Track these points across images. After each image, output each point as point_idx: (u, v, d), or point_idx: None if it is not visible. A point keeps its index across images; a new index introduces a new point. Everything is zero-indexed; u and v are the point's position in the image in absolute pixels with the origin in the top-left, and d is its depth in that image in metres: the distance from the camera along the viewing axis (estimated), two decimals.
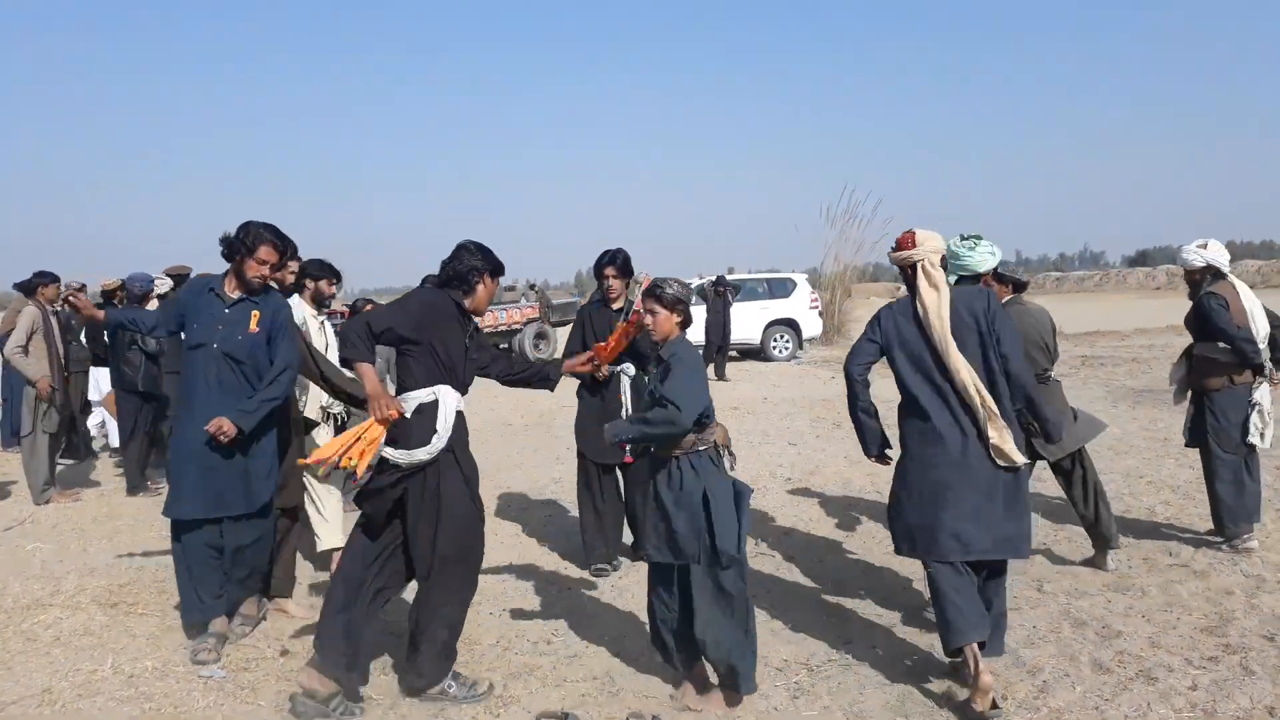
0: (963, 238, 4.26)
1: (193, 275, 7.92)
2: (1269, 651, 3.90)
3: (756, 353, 18.61)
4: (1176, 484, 6.76)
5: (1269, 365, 5.27)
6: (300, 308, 5.22)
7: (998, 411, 3.62)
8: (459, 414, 3.68)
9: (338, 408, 5.10)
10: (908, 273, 3.83)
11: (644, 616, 4.06)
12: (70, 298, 4.40)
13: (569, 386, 5.14)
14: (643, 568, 5.45)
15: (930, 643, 4.12)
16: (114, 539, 6.27)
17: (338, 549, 5.33)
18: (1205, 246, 5.34)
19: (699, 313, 14.22)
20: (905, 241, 3.83)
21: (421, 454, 3.56)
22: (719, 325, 15.56)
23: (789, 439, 9.29)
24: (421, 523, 3.62)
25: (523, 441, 10.00)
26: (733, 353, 19.18)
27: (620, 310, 5.36)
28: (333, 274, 5.27)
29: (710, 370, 14.00)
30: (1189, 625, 4.22)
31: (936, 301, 3.72)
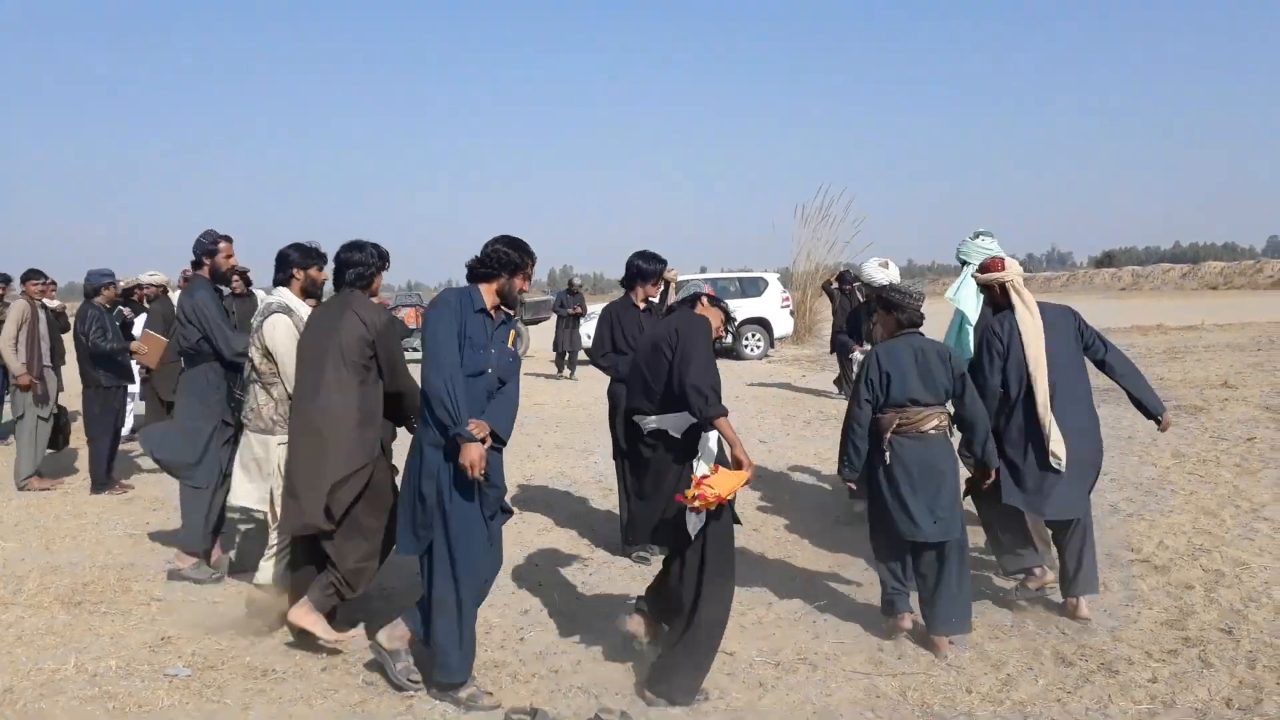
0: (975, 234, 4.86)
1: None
2: (1227, 644, 3.98)
3: (728, 351, 18.70)
4: (1139, 480, 6.87)
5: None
6: (289, 300, 4.53)
7: None
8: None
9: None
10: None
11: (616, 612, 4.08)
12: None
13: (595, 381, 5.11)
14: (609, 566, 5.49)
15: (898, 639, 4.16)
16: (78, 537, 6.17)
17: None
18: (886, 266, 5.93)
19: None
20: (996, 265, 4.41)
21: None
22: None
23: (760, 437, 9.33)
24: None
25: (519, 438, 9.96)
26: None
27: (647, 310, 5.70)
28: (320, 259, 4.62)
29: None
30: (1149, 619, 4.31)
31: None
